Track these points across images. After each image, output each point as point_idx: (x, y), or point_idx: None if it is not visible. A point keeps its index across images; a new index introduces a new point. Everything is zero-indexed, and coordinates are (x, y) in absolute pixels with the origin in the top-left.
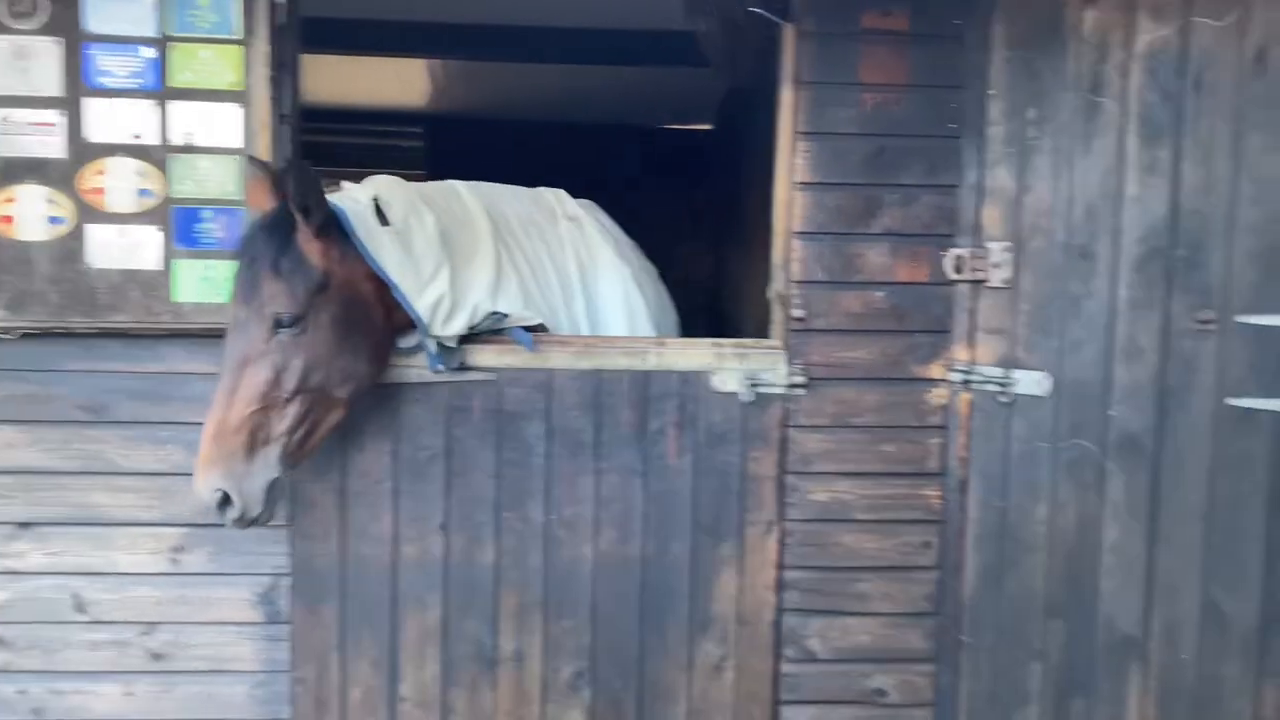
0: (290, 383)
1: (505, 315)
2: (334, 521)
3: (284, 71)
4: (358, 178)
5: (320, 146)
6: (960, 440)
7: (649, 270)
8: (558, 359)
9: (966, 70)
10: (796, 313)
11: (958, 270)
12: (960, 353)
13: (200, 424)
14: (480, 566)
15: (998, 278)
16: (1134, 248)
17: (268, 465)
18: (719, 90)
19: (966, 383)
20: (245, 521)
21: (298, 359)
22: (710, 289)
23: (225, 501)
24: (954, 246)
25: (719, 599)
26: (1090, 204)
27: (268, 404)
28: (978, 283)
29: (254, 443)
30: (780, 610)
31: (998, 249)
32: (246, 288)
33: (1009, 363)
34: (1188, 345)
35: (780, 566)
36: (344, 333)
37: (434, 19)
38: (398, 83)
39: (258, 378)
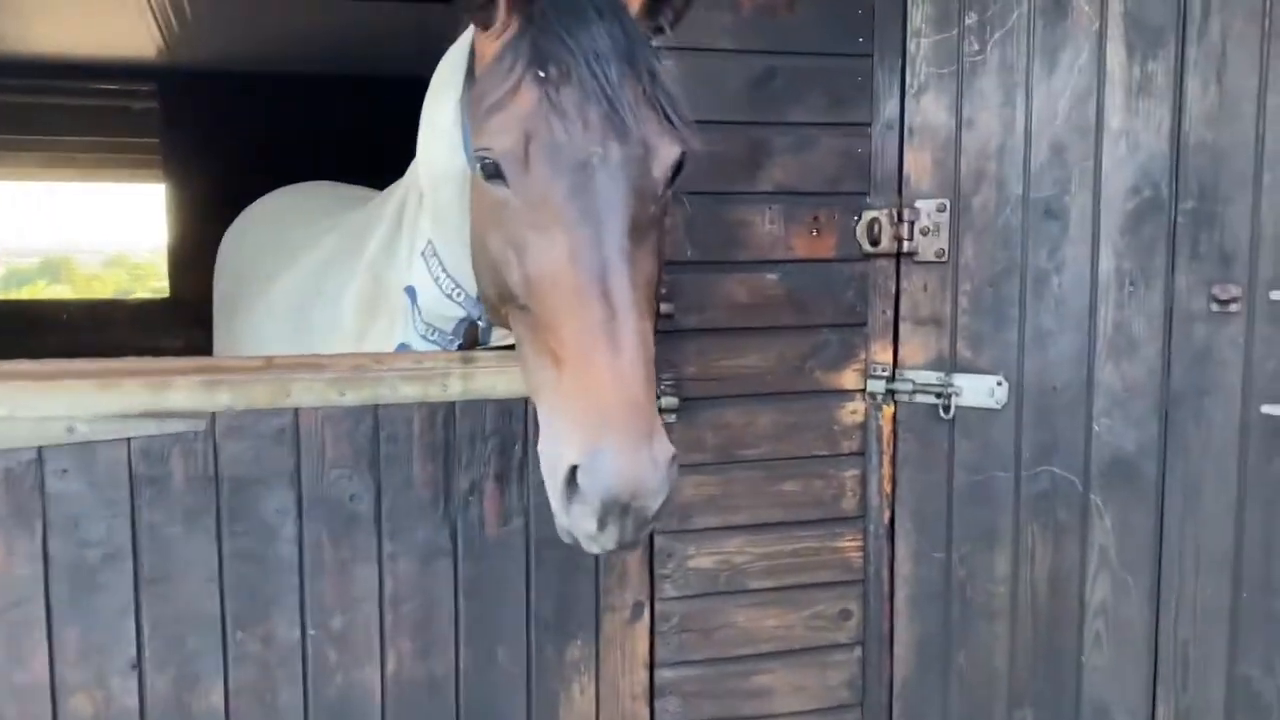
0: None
1: None
2: None
3: None
4: (79, 147)
5: (23, 108)
6: (884, 471)
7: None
8: (304, 393)
9: None
10: (663, 307)
11: (874, 240)
12: (880, 353)
13: None
14: (201, 715)
15: (929, 249)
16: (1121, 201)
17: None
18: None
19: (890, 393)
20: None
21: (668, 230)
22: None
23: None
24: (868, 208)
25: None
26: (1057, 142)
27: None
28: (902, 256)
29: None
30: None
31: (928, 208)
32: (620, 110)
33: (947, 365)
34: (1202, 333)
35: (652, 665)
36: None
37: None
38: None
39: (653, 261)
